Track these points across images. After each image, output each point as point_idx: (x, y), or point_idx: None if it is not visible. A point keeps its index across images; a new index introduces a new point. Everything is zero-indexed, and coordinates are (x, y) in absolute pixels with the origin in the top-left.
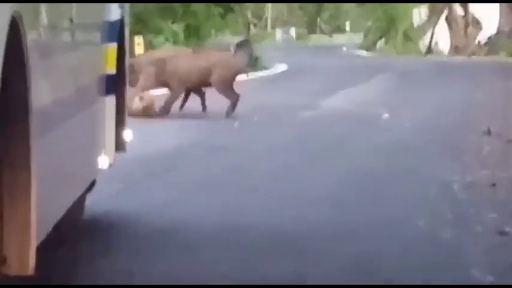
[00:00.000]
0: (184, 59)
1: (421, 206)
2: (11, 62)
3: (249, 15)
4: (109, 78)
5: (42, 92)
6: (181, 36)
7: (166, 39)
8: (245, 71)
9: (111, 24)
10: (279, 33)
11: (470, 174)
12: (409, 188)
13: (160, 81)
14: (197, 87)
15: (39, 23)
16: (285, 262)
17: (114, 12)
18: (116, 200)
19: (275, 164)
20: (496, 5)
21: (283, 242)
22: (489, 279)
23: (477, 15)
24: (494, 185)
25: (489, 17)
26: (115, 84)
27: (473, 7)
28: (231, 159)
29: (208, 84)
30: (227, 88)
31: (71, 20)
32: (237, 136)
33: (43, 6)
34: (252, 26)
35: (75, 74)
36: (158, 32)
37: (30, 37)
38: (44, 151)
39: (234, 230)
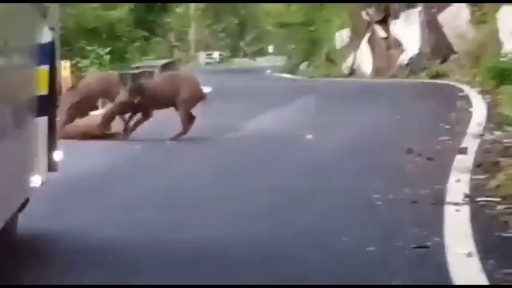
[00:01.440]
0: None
1: (344, 222)
2: None
3: (173, 39)
4: (41, 100)
5: None
6: (106, 59)
7: (92, 63)
8: None
9: (43, 46)
10: (202, 56)
11: (392, 191)
12: (333, 205)
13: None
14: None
15: None
16: (215, 276)
17: (46, 35)
18: (47, 219)
19: (203, 182)
20: (417, 27)
21: (212, 257)
22: None
23: (399, 37)
24: (415, 201)
25: (410, 39)
26: (47, 106)
27: (394, 29)
28: (159, 179)
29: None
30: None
31: (5, 42)
32: (166, 156)
33: None
34: (175, 49)
35: (6, 95)
36: (84, 55)
37: None
38: None
39: (162, 247)
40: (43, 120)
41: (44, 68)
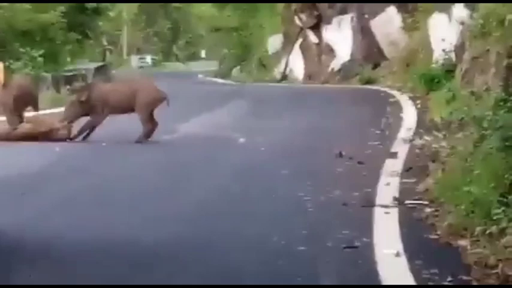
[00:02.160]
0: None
1: (276, 223)
2: None
3: (105, 42)
4: None
5: None
6: (39, 62)
7: (25, 65)
8: None
9: None
10: (134, 60)
11: (323, 194)
12: (265, 206)
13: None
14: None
15: None
16: (146, 273)
17: None
18: None
19: (136, 184)
20: (349, 33)
21: (143, 254)
22: None
23: (331, 42)
24: (345, 204)
25: (342, 45)
26: None
27: (327, 35)
28: (92, 180)
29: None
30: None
31: None
32: (99, 158)
33: None
34: (107, 53)
35: None
36: (17, 57)
37: None
38: None
39: (94, 245)
40: None
41: None
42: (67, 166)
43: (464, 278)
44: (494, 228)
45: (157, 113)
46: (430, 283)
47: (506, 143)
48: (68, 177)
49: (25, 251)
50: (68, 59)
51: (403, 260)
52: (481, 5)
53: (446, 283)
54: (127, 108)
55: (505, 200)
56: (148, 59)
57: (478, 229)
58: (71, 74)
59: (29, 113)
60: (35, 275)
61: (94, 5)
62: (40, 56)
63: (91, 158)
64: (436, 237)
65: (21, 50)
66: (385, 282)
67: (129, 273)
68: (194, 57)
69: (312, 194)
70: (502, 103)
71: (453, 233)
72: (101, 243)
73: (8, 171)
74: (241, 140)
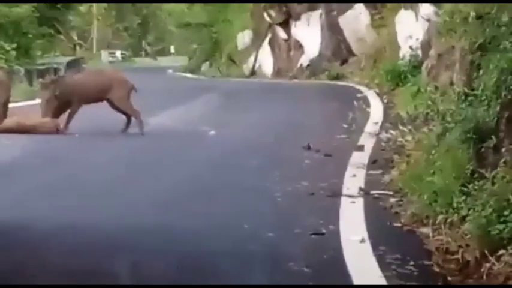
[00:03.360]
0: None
1: (245, 212)
2: None
3: (75, 37)
4: None
5: None
6: (12, 55)
7: None
8: None
9: None
10: (104, 55)
11: (291, 184)
12: (235, 196)
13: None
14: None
15: None
16: (121, 257)
17: None
18: None
19: (110, 173)
20: (318, 30)
21: (118, 240)
22: (306, 270)
23: (300, 39)
24: (312, 193)
25: (311, 41)
26: None
27: (295, 31)
28: (67, 169)
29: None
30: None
31: None
32: (73, 149)
33: None
34: (78, 47)
35: None
36: None
37: None
38: None
39: (69, 230)
40: None
41: None
42: (42, 156)
43: (426, 262)
44: (455, 217)
45: None
46: (393, 267)
47: (468, 135)
48: (43, 167)
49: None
50: (39, 53)
51: (367, 246)
52: (446, 4)
53: (408, 268)
54: (98, 98)
55: (465, 189)
56: (118, 54)
57: (440, 217)
58: (43, 67)
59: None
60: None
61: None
62: (13, 49)
63: (64, 149)
64: (399, 225)
65: None
66: (350, 266)
67: (101, 256)
68: (163, 52)
69: (280, 185)
70: (464, 97)
71: (416, 221)
72: (75, 228)
73: None
74: (212, 132)
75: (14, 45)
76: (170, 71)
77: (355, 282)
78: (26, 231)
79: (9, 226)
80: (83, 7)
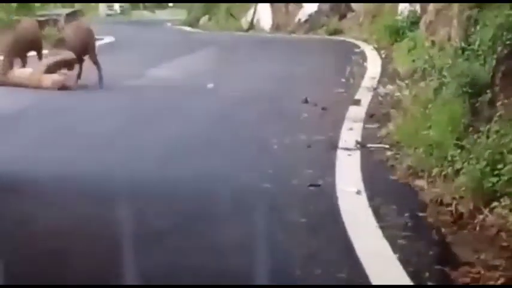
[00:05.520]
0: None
1: (244, 163)
2: None
3: None
4: None
5: None
6: (13, 6)
7: None
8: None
9: None
10: (103, 8)
11: (289, 137)
12: (232, 148)
13: None
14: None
15: None
16: (118, 207)
17: None
18: None
19: (109, 125)
20: None
21: (119, 190)
22: (302, 220)
23: None
24: (309, 146)
25: None
26: None
27: None
28: (66, 121)
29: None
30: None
31: None
32: (72, 102)
33: None
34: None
35: None
36: None
37: None
38: None
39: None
40: None
41: None
42: (40, 110)
43: (420, 214)
44: (449, 170)
45: (125, 59)
46: (388, 218)
47: (464, 89)
48: (40, 119)
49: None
50: (38, 5)
51: (363, 198)
52: None
53: (403, 219)
54: (80, 52)
55: (460, 143)
56: (116, 6)
57: (435, 170)
58: (43, 19)
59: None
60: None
61: None
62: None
63: (60, 104)
64: (395, 178)
65: None
66: (345, 217)
67: (101, 203)
68: (162, 5)
69: (277, 137)
70: (461, 52)
71: (411, 174)
72: (75, 179)
73: None
74: (210, 85)
75: None
76: (168, 24)
77: (350, 233)
78: (25, 177)
79: (8, 172)
80: None
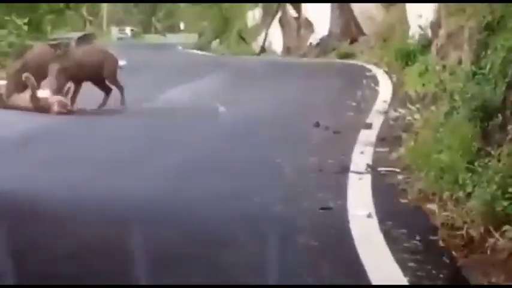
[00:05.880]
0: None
1: (256, 185)
2: None
3: (85, 12)
4: None
5: None
6: (24, 30)
7: (10, 33)
8: None
9: None
10: (114, 31)
11: (300, 160)
12: (244, 170)
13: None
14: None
15: None
16: (129, 226)
17: None
18: None
19: (121, 149)
20: (328, 8)
21: (130, 210)
22: (314, 243)
23: (309, 17)
24: (321, 170)
25: (321, 19)
26: None
27: (306, 9)
28: (80, 143)
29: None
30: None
31: None
32: (86, 123)
33: None
34: (88, 23)
35: None
36: (2, 25)
37: None
38: None
39: (78, 203)
40: None
41: None
42: (53, 131)
43: (432, 237)
44: (461, 193)
45: (137, 82)
46: (399, 241)
47: (474, 113)
48: (54, 141)
49: (12, 205)
50: (49, 29)
51: (374, 221)
52: None
53: (414, 242)
54: (94, 75)
55: (471, 166)
56: (128, 30)
57: (446, 194)
58: (55, 42)
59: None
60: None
61: None
62: (25, 24)
63: (72, 125)
64: (406, 201)
65: (6, 18)
66: (356, 240)
67: (113, 225)
68: (173, 29)
69: (289, 160)
70: (471, 76)
71: (423, 197)
72: (84, 201)
73: None
74: (222, 108)
75: (26, 20)
76: (179, 47)
77: (361, 256)
78: (38, 201)
79: (22, 196)
80: None
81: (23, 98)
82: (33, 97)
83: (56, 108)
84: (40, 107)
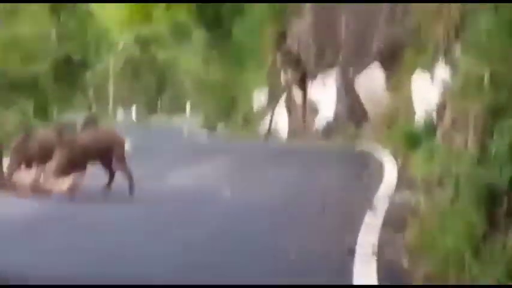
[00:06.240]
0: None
1: (260, 272)
2: None
3: (91, 94)
4: None
5: None
6: (30, 111)
7: (16, 114)
8: None
9: None
10: (120, 113)
11: (305, 244)
12: (251, 256)
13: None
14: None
15: None
16: None
17: None
18: None
19: (118, 237)
20: (334, 91)
21: None
22: None
23: (315, 99)
24: (327, 253)
25: (327, 102)
26: None
27: (311, 91)
28: (88, 226)
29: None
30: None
31: None
32: (87, 208)
33: None
34: (93, 105)
35: None
36: (8, 107)
37: None
38: None
39: None
40: None
41: None
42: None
43: None
44: (467, 276)
45: (143, 166)
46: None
47: (480, 199)
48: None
49: None
50: (55, 111)
51: None
52: (462, 64)
53: None
54: (99, 157)
55: (477, 251)
56: (133, 112)
57: (452, 278)
58: (60, 126)
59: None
60: None
61: (81, 57)
62: (30, 106)
63: (75, 209)
64: (413, 284)
65: (12, 100)
66: None
67: None
68: (179, 111)
69: (294, 245)
70: (477, 161)
71: (429, 280)
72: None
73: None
74: (227, 193)
75: (32, 103)
76: (185, 129)
77: None
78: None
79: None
80: (100, 65)
81: (24, 177)
82: (35, 182)
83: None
84: (41, 191)
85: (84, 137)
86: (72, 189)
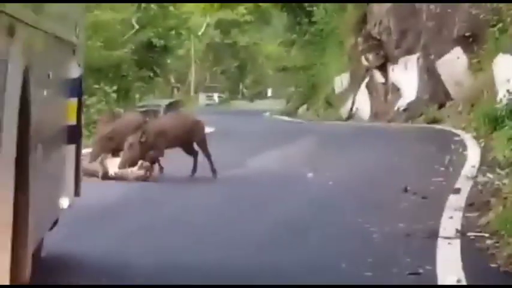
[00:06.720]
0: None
1: (343, 252)
2: None
3: (173, 79)
4: (70, 129)
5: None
6: (113, 97)
7: (99, 101)
8: None
9: (73, 80)
10: (202, 98)
11: (388, 226)
12: (333, 236)
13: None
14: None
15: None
16: None
17: (75, 70)
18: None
19: (211, 216)
20: (415, 74)
21: (221, 277)
22: None
23: (397, 82)
24: (408, 235)
25: (408, 85)
26: (75, 135)
27: (393, 75)
28: (170, 211)
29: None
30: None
31: (48, 76)
32: (175, 191)
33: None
34: (175, 90)
35: (48, 123)
36: (91, 93)
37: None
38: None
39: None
40: (72, 148)
41: (73, 100)
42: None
43: None
44: None
45: (228, 148)
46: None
47: None
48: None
49: (107, 273)
50: (137, 96)
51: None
52: None
53: None
54: (181, 143)
55: None
56: (215, 96)
57: None
58: (143, 109)
59: None
60: None
61: (162, 42)
62: (113, 92)
63: (164, 193)
64: (495, 266)
65: (95, 86)
66: None
67: None
68: (260, 95)
69: (377, 226)
70: None
71: None
72: (173, 267)
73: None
74: (310, 174)
75: (115, 88)
76: (267, 114)
77: None
78: (132, 270)
79: (113, 263)
80: (181, 50)
81: (110, 162)
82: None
83: (135, 174)
84: (123, 176)
85: (165, 121)
86: (152, 173)
